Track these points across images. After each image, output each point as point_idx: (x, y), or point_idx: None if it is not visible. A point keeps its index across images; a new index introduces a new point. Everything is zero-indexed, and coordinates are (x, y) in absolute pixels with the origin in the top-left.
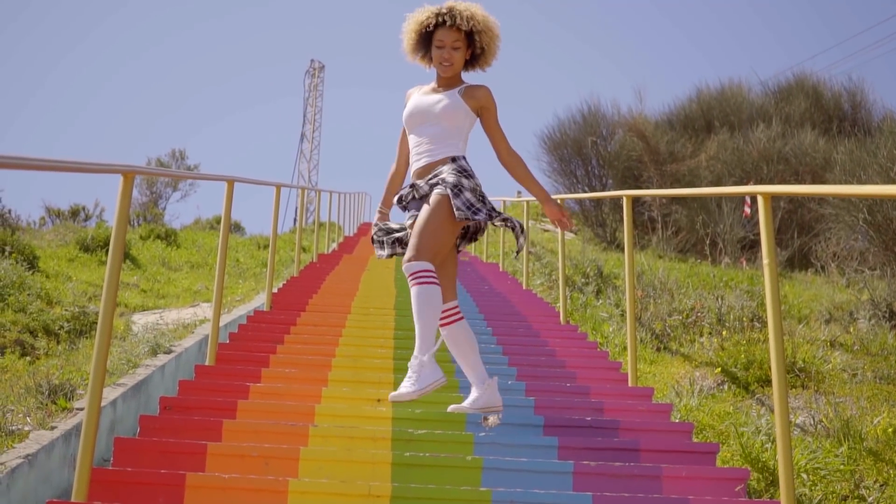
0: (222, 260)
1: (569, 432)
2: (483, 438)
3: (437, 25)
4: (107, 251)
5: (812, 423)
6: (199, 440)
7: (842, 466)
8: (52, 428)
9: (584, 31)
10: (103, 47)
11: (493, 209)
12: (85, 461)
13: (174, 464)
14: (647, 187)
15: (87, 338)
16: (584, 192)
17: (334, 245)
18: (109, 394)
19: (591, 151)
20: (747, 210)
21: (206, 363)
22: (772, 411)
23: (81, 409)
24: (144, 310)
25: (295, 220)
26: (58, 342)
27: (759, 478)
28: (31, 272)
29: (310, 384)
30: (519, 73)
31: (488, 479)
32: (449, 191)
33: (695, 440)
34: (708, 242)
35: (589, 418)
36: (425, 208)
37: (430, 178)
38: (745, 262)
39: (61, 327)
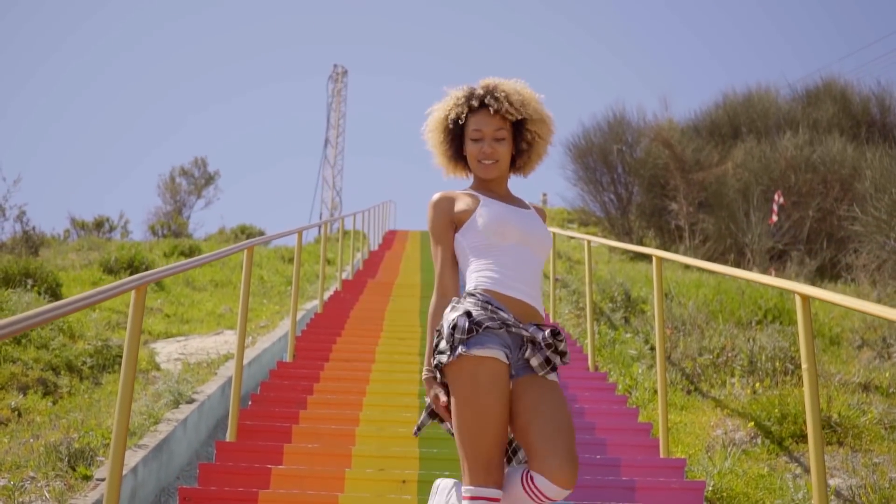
0: (241, 337)
1: None
2: None
3: (470, 112)
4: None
5: (848, 488)
6: None
7: None
8: None
9: (609, 39)
10: (107, 43)
11: None
12: None
13: None
14: (674, 195)
15: (109, 372)
16: (609, 199)
17: (359, 257)
18: (130, 459)
19: (616, 159)
20: (774, 218)
21: (228, 437)
22: (807, 471)
23: (101, 480)
24: (168, 337)
25: (319, 229)
26: (81, 379)
27: None
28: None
29: (333, 465)
30: (544, 81)
31: None
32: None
33: None
34: (743, 252)
35: None
36: (557, 401)
37: (545, 340)
38: (773, 272)
39: (84, 363)
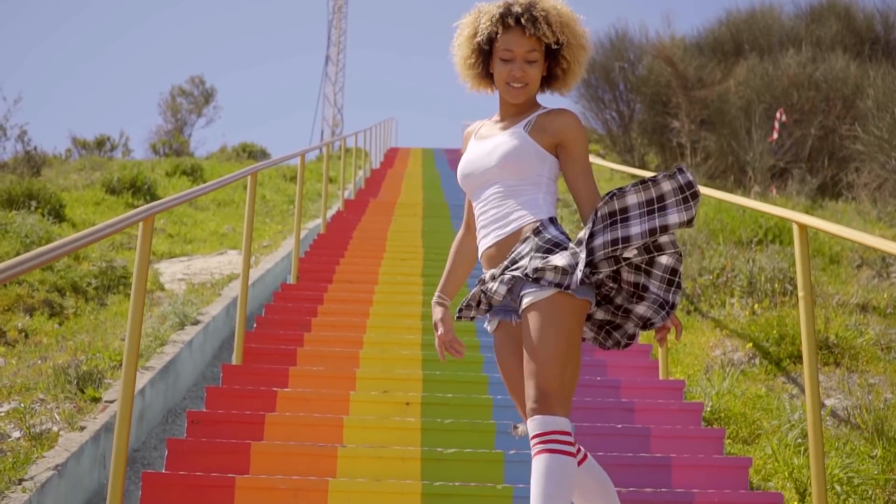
0: (245, 267)
1: (600, 443)
2: (513, 457)
3: (504, 28)
4: (133, 192)
5: (844, 409)
6: (228, 471)
7: (876, 475)
8: (81, 428)
9: None
10: None
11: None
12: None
13: (202, 501)
14: (675, 113)
15: (114, 293)
16: (611, 116)
17: (361, 175)
18: (137, 381)
19: (618, 76)
20: (774, 135)
21: (233, 360)
22: (804, 391)
23: (110, 402)
24: (172, 257)
25: (322, 149)
26: (86, 300)
27: (793, 489)
28: (57, 224)
29: (337, 387)
30: None
31: None
32: (537, 287)
33: (728, 435)
34: (745, 170)
35: (620, 426)
36: (526, 332)
37: (506, 267)
38: (774, 191)
39: (89, 284)
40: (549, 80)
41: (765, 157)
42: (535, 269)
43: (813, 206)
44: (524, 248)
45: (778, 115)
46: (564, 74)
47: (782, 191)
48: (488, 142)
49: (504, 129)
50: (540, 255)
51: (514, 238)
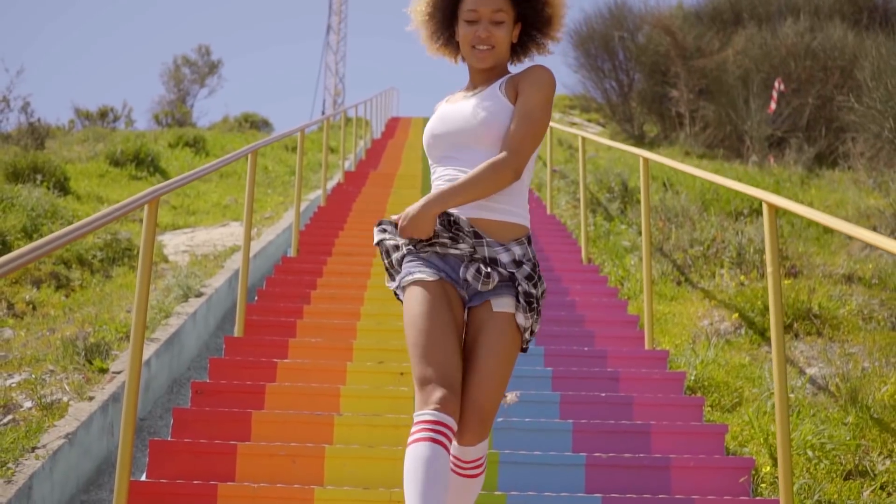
0: (246, 244)
1: (583, 412)
2: (500, 424)
3: None
4: (136, 164)
5: (823, 377)
6: (230, 439)
7: (848, 440)
8: (90, 398)
9: None
10: None
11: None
12: (123, 481)
13: (206, 467)
14: (674, 82)
15: (119, 265)
16: (611, 86)
17: (362, 145)
18: (143, 352)
19: (617, 46)
20: (773, 106)
21: (235, 332)
22: (788, 361)
23: (117, 373)
24: (175, 228)
25: (323, 119)
26: (92, 272)
27: (767, 455)
28: (62, 196)
29: (335, 358)
30: None
31: (504, 475)
32: (527, 315)
33: (710, 403)
34: (742, 139)
35: (604, 394)
36: (492, 338)
37: (492, 260)
38: (772, 160)
39: (94, 256)
40: (523, 47)
41: (762, 126)
42: (528, 294)
43: (810, 176)
44: (518, 252)
45: (776, 84)
46: (539, 33)
47: (780, 160)
48: (465, 103)
49: (481, 90)
50: (530, 269)
51: (501, 228)
